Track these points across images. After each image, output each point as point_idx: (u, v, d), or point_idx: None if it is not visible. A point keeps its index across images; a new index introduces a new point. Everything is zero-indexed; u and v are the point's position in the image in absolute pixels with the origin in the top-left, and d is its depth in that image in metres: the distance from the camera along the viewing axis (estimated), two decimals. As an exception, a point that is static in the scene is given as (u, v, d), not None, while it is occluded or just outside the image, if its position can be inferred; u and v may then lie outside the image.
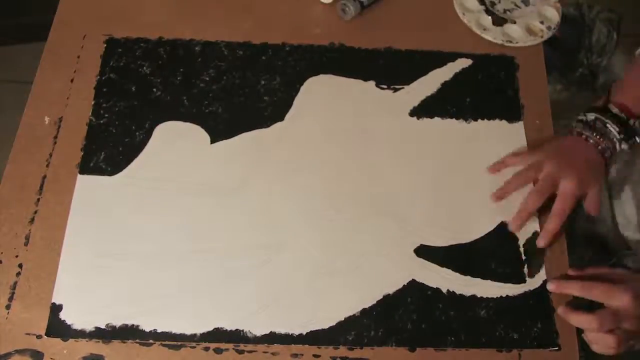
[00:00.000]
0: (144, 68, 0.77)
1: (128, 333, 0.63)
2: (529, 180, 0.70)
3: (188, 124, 0.74)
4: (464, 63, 0.80)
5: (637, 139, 0.68)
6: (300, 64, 0.79)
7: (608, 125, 0.67)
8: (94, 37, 0.79)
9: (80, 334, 0.63)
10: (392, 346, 0.64)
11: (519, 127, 0.76)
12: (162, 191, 0.70)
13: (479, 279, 0.67)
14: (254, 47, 0.80)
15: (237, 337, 0.63)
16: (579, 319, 0.61)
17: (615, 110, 0.68)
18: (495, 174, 0.71)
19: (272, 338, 0.63)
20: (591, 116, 0.70)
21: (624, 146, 0.68)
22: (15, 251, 0.66)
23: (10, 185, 0.70)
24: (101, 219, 0.68)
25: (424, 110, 0.77)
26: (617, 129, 0.67)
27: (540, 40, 0.82)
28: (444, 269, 0.68)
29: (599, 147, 0.67)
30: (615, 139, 0.67)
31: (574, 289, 0.62)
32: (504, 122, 0.76)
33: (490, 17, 0.82)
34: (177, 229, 0.68)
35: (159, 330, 0.63)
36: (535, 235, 0.69)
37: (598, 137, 0.68)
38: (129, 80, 0.76)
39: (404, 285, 0.67)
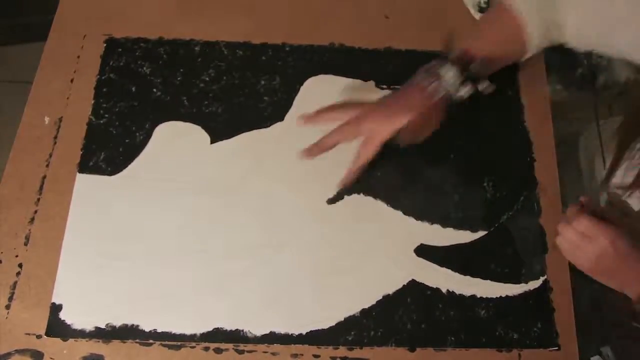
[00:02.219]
0: (144, 68, 0.77)
1: (128, 333, 0.63)
2: (349, 137, 0.67)
3: (188, 124, 0.74)
4: (464, 63, 0.80)
5: (477, 84, 0.67)
6: (300, 64, 0.79)
7: (443, 69, 0.65)
8: (94, 37, 0.79)
9: (80, 334, 0.63)
10: (392, 346, 0.64)
11: None
12: (162, 191, 0.70)
13: (479, 279, 0.67)
14: (254, 47, 0.80)
15: (237, 337, 0.63)
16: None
17: (456, 54, 0.67)
18: (308, 125, 0.68)
19: (272, 338, 0.63)
20: (433, 62, 0.67)
21: (463, 91, 0.66)
22: (15, 251, 0.66)
23: (10, 185, 0.70)
24: (101, 218, 0.68)
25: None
26: (453, 73, 0.65)
27: None
28: (444, 269, 0.68)
29: (430, 90, 0.65)
30: (450, 82, 0.65)
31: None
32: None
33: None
34: (177, 228, 0.68)
35: (159, 330, 0.63)
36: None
37: (433, 80, 0.65)
38: (128, 81, 0.76)
39: (404, 285, 0.67)
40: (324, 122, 0.68)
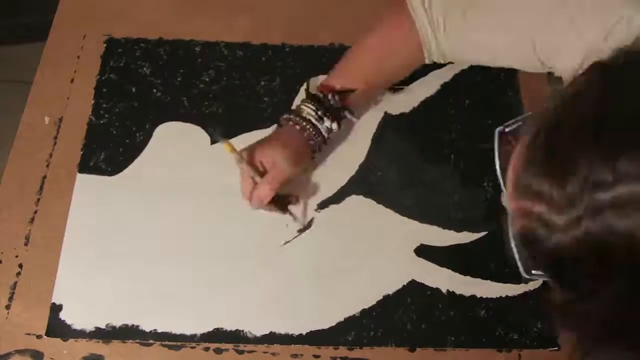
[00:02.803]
0: (144, 68, 0.77)
1: (128, 333, 0.63)
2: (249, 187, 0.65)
3: (188, 125, 0.74)
4: (463, 63, 0.80)
5: (343, 114, 0.68)
6: (300, 65, 0.79)
7: (303, 105, 0.67)
8: (94, 37, 0.79)
9: (80, 334, 0.63)
10: (392, 346, 0.64)
11: None
12: (162, 191, 0.70)
13: (479, 279, 0.67)
14: (254, 48, 0.80)
15: (237, 337, 0.63)
16: None
17: (314, 92, 0.68)
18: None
19: (272, 338, 0.63)
20: (296, 106, 0.68)
21: (330, 124, 0.66)
22: (15, 251, 0.66)
23: (10, 185, 0.70)
24: (101, 218, 0.68)
25: (425, 107, 0.77)
26: (313, 108, 0.66)
27: None
28: (444, 269, 0.68)
29: (298, 127, 0.66)
30: (311, 117, 0.66)
31: None
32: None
33: None
34: (177, 228, 0.68)
35: (159, 330, 0.63)
36: None
37: (296, 118, 0.66)
38: (129, 81, 0.76)
39: (404, 285, 0.67)
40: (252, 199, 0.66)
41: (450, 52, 0.62)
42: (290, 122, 0.66)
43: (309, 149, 0.67)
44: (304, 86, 0.66)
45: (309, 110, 0.66)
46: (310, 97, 0.67)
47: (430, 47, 0.62)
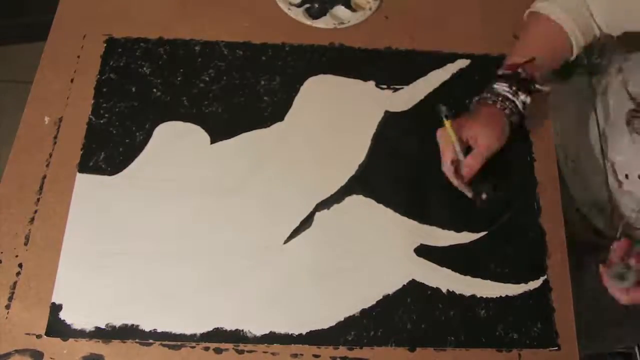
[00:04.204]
0: (144, 68, 0.77)
1: (128, 333, 0.63)
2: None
3: (188, 124, 0.74)
4: (462, 63, 0.80)
5: (533, 86, 0.70)
6: (300, 64, 0.79)
7: (496, 85, 0.70)
8: (94, 37, 0.79)
9: (80, 334, 0.63)
10: (392, 346, 0.64)
11: None
12: (162, 191, 0.70)
13: (478, 279, 0.67)
14: (254, 47, 0.80)
15: (237, 337, 0.63)
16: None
17: (500, 72, 0.71)
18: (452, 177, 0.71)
19: (272, 338, 0.63)
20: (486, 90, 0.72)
21: (525, 97, 0.69)
22: (15, 251, 0.66)
23: (10, 185, 0.70)
24: (101, 218, 0.68)
25: (425, 106, 0.77)
26: (507, 84, 0.69)
27: (369, 13, 0.83)
28: (444, 269, 0.68)
29: (498, 105, 0.69)
30: (507, 93, 0.69)
31: None
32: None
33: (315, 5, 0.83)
34: (177, 228, 0.68)
35: (159, 330, 0.63)
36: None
37: (491, 96, 0.70)
38: (129, 80, 0.76)
39: (404, 285, 0.67)
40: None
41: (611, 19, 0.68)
42: (489, 102, 0.70)
43: (508, 125, 0.69)
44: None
45: (503, 88, 0.69)
46: (499, 77, 0.70)
47: (572, 30, 0.69)
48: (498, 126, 0.69)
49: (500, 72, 0.71)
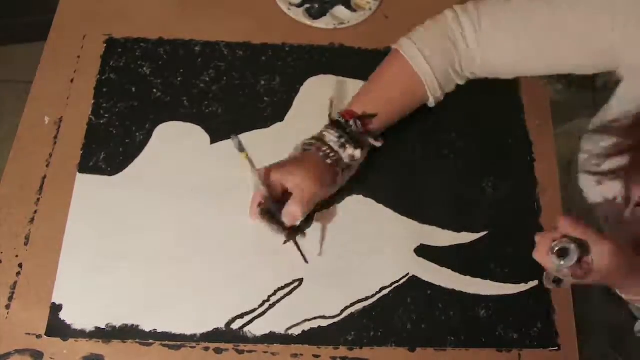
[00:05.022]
0: (144, 68, 0.77)
1: (128, 333, 0.63)
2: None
3: (188, 124, 0.74)
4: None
5: (366, 140, 0.67)
6: (300, 64, 0.79)
7: (325, 132, 0.66)
8: (94, 37, 0.79)
9: (80, 334, 0.63)
10: (392, 346, 0.64)
11: None
12: (162, 191, 0.70)
13: (479, 279, 0.67)
14: (254, 47, 0.80)
15: (237, 337, 0.63)
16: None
17: (335, 116, 0.67)
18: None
19: (272, 338, 0.63)
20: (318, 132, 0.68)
21: (352, 152, 0.66)
22: (15, 251, 0.66)
23: (10, 185, 0.70)
24: (101, 218, 0.68)
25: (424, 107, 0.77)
26: (336, 135, 0.65)
27: (369, 13, 0.83)
28: (444, 269, 0.68)
29: (320, 154, 0.65)
30: (333, 144, 0.65)
31: None
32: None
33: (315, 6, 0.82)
34: (176, 228, 0.68)
35: (159, 330, 0.63)
36: None
37: (319, 144, 0.66)
38: (129, 81, 0.76)
39: (404, 285, 0.67)
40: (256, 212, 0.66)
41: (482, 61, 0.64)
42: (313, 148, 0.66)
43: (332, 173, 0.66)
44: (328, 110, 0.65)
45: (331, 137, 0.66)
46: (333, 123, 0.67)
47: (429, 78, 0.65)
48: (319, 173, 0.64)
49: (336, 116, 0.67)
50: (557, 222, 0.55)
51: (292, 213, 0.64)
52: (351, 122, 0.66)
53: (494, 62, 0.65)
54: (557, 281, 0.57)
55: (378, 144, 0.68)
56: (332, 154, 0.65)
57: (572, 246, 0.53)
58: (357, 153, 0.66)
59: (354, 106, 0.68)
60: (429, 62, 0.65)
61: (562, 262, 0.54)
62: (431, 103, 0.69)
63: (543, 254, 0.56)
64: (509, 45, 0.63)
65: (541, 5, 0.60)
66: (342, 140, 0.66)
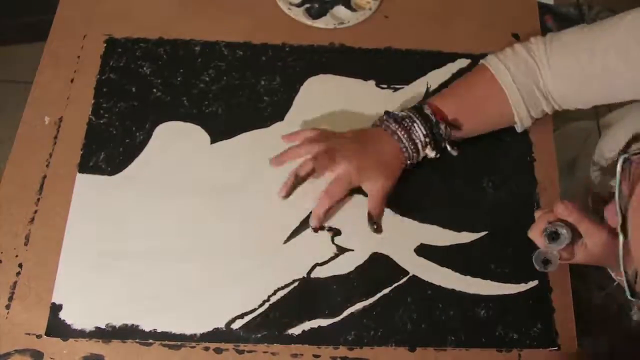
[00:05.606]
0: (144, 68, 0.77)
1: (128, 333, 0.63)
2: (321, 166, 0.65)
3: (188, 124, 0.74)
4: (463, 63, 0.80)
5: (445, 146, 0.67)
6: (300, 64, 0.79)
7: (416, 125, 0.65)
8: (94, 37, 0.79)
9: (80, 334, 0.63)
10: (392, 346, 0.64)
11: None
12: (162, 191, 0.70)
13: (479, 279, 0.67)
14: (254, 47, 0.80)
15: (237, 337, 0.63)
16: None
17: (427, 111, 0.67)
18: (279, 167, 0.67)
19: (272, 338, 0.63)
20: (403, 113, 0.68)
21: (430, 152, 0.67)
22: (15, 251, 0.66)
23: (10, 185, 0.70)
24: (101, 218, 0.68)
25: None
26: (424, 132, 0.65)
27: (369, 13, 0.82)
28: (444, 269, 0.68)
29: (401, 146, 0.66)
30: (418, 141, 0.65)
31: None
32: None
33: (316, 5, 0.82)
34: (177, 228, 0.68)
35: (159, 330, 0.63)
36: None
37: (403, 133, 0.65)
38: (129, 81, 0.76)
39: (404, 284, 0.67)
40: (292, 159, 0.67)
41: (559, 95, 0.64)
42: (396, 137, 0.66)
43: (400, 166, 0.67)
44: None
45: (418, 133, 0.65)
46: (423, 116, 0.66)
47: (518, 105, 0.66)
48: (388, 165, 0.66)
49: (427, 110, 0.66)
50: (555, 205, 0.58)
51: (331, 190, 0.66)
52: (442, 126, 0.65)
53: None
54: (545, 262, 0.59)
55: (455, 153, 0.68)
56: (413, 153, 0.66)
57: (564, 231, 0.57)
58: (433, 154, 0.66)
59: (443, 107, 0.67)
60: (514, 78, 0.66)
61: (551, 245, 0.58)
62: (518, 127, 0.70)
63: (537, 233, 0.59)
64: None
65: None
66: (427, 139, 0.66)
